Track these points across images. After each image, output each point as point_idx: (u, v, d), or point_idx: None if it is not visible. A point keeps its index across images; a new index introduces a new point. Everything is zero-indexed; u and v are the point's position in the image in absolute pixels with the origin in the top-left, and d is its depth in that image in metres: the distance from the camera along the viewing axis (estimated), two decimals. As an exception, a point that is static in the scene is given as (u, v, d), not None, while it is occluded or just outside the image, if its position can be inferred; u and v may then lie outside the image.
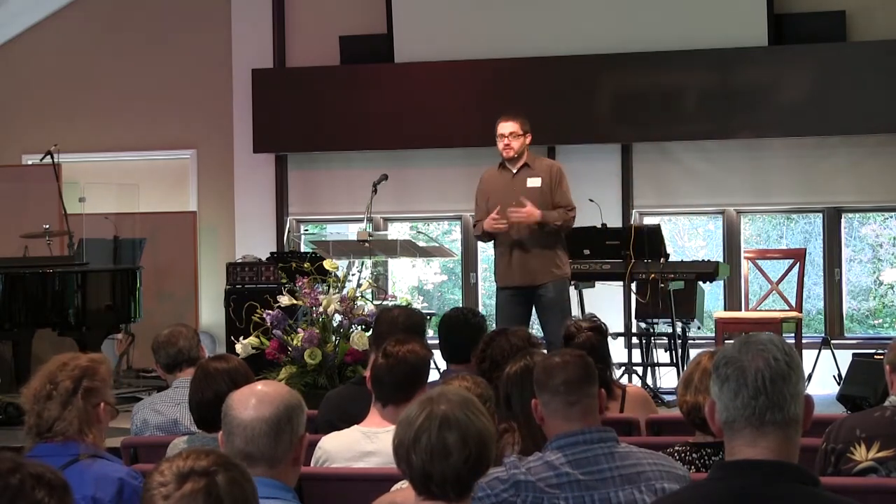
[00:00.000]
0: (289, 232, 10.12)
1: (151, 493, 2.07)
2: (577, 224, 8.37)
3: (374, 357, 4.32)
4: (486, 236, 7.04)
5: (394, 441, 2.51)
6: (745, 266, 8.61)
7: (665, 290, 7.85)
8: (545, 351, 4.20)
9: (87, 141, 10.55)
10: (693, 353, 6.94)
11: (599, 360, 4.51)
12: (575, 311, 8.41)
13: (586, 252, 8.07)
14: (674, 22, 9.33)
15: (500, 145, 6.89)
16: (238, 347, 6.25)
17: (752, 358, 2.23)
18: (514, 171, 6.93)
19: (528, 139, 6.94)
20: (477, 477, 2.50)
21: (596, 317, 4.89)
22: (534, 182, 6.90)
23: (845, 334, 9.33)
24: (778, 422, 2.20)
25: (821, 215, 9.48)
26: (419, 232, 9.66)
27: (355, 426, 3.79)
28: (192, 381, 3.79)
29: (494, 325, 6.71)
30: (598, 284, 8.40)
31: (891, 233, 9.83)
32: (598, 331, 4.69)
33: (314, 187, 10.29)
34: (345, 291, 6.45)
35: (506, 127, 6.87)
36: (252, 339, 6.35)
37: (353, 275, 7.32)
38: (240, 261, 8.63)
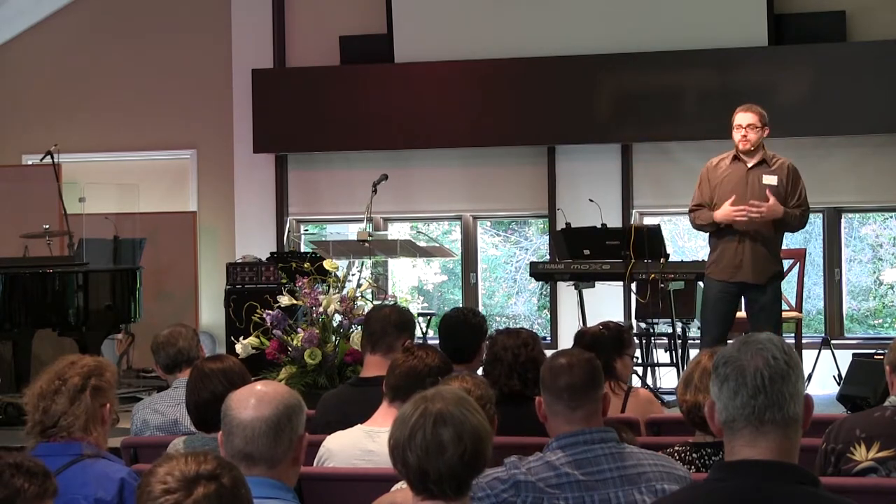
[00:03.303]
0: (289, 232, 10.12)
1: (157, 501, 2.03)
2: (576, 224, 8.42)
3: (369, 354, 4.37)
4: (710, 226, 6.67)
5: (389, 442, 2.51)
6: (745, 266, 8.59)
7: (665, 290, 7.84)
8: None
9: (87, 141, 10.56)
10: (693, 353, 6.93)
11: (608, 350, 4.58)
12: (575, 311, 8.44)
13: (586, 252, 8.06)
14: (674, 22, 9.33)
15: (737, 136, 6.55)
16: (238, 347, 6.24)
17: (751, 357, 2.23)
18: (749, 165, 6.62)
19: (766, 133, 6.61)
20: (474, 474, 2.49)
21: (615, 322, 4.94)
22: (770, 179, 6.57)
23: (845, 334, 9.33)
24: (777, 421, 2.21)
25: (821, 215, 9.47)
26: (419, 232, 9.67)
27: (358, 426, 3.79)
28: (188, 383, 3.77)
29: (693, 318, 6.61)
30: (598, 284, 8.39)
31: (891, 233, 9.83)
32: (608, 328, 4.73)
33: (314, 187, 10.29)
34: (345, 291, 6.45)
35: (744, 118, 6.56)
36: (252, 339, 6.35)
37: (353, 275, 7.31)
38: (240, 261, 8.63)
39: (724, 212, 6.53)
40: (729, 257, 6.64)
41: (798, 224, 6.70)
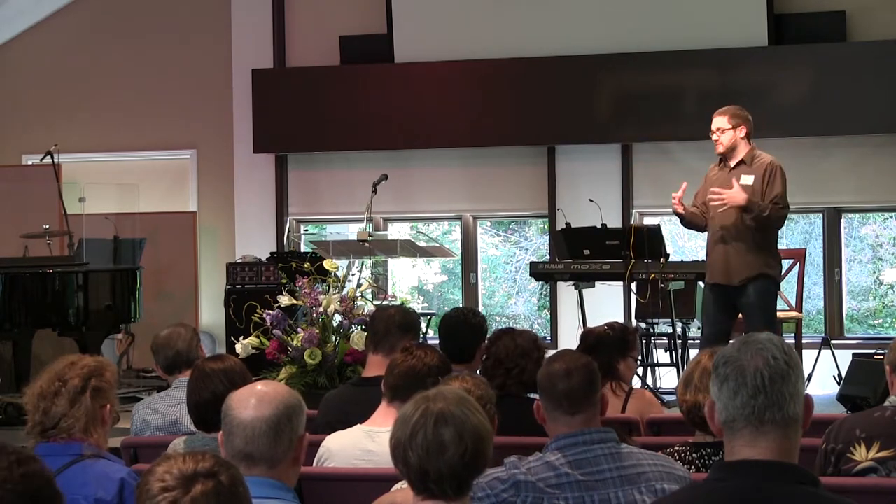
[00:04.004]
0: (289, 232, 10.13)
1: (156, 500, 2.04)
2: (576, 224, 8.41)
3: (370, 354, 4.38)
4: (683, 220, 6.72)
5: (390, 441, 2.51)
6: (745, 266, 8.58)
7: (665, 290, 7.84)
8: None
9: (87, 141, 10.56)
10: (693, 353, 6.93)
11: (611, 351, 4.59)
12: (575, 311, 8.43)
13: (586, 252, 8.06)
14: (674, 22, 9.34)
15: (713, 140, 6.62)
16: (238, 347, 6.24)
17: (751, 357, 2.23)
18: (731, 166, 6.61)
19: (741, 132, 6.54)
20: (474, 474, 2.49)
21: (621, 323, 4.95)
22: (746, 179, 6.52)
23: (845, 334, 9.33)
24: (777, 421, 2.21)
25: (821, 215, 9.47)
26: (419, 232, 9.67)
27: (358, 426, 3.79)
28: (188, 383, 3.76)
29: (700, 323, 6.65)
30: (598, 284, 8.39)
31: (891, 233, 9.83)
32: (613, 328, 4.73)
33: (314, 187, 10.29)
34: (345, 291, 6.45)
35: (714, 122, 6.60)
36: (252, 339, 6.35)
37: (353, 275, 7.32)
38: (240, 261, 8.63)
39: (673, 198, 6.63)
40: (710, 259, 6.71)
41: (769, 217, 6.46)
